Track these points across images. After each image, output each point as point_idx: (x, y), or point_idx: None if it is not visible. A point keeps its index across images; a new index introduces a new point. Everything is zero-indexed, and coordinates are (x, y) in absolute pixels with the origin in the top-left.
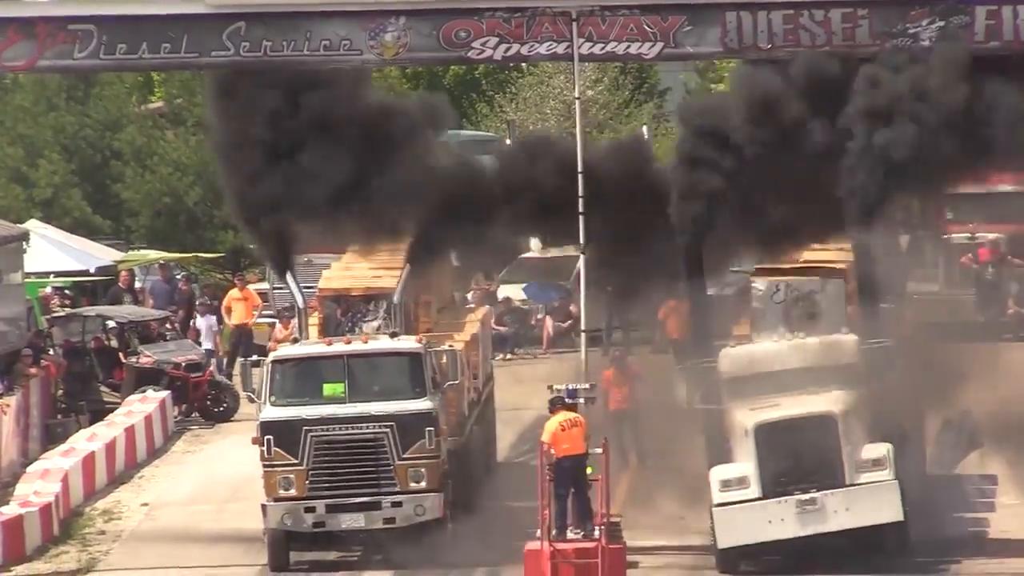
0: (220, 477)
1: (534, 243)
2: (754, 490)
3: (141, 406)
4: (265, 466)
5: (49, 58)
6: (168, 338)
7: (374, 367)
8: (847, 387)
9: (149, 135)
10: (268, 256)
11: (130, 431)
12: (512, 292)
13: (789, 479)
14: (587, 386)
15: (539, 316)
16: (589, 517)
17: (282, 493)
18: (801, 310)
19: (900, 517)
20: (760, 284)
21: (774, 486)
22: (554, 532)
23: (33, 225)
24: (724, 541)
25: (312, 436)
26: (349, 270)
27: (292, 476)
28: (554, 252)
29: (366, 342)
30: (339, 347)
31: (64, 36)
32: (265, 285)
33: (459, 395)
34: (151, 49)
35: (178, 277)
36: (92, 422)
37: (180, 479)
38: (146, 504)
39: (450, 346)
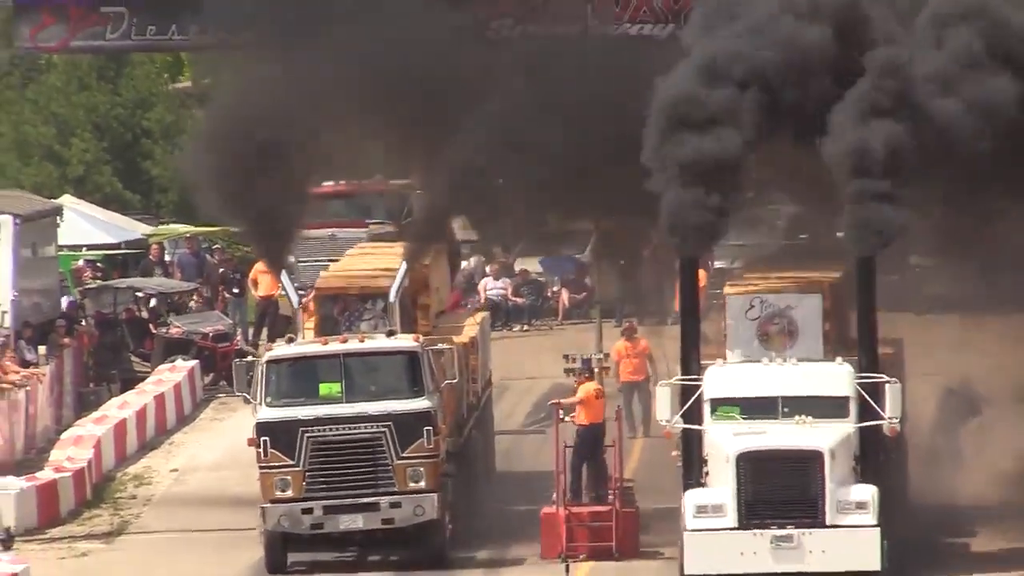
0: (246, 443)
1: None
2: (729, 519)
3: (170, 375)
4: (262, 468)
5: (81, 39)
6: (195, 309)
7: (371, 366)
8: (838, 421)
9: (178, 114)
10: (263, 255)
11: (160, 399)
12: (529, 265)
13: (767, 512)
14: (601, 355)
15: (555, 288)
16: (604, 483)
17: (279, 495)
18: (777, 327)
19: (877, 567)
20: (734, 299)
21: (751, 517)
22: (569, 496)
23: (66, 200)
24: (692, 568)
25: (309, 437)
26: (346, 270)
27: (289, 477)
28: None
29: (363, 341)
30: (335, 346)
31: (96, 18)
32: (291, 258)
33: (458, 397)
34: (180, 31)
35: (214, 247)
36: (123, 390)
37: (208, 445)
38: (175, 469)
39: (448, 344)
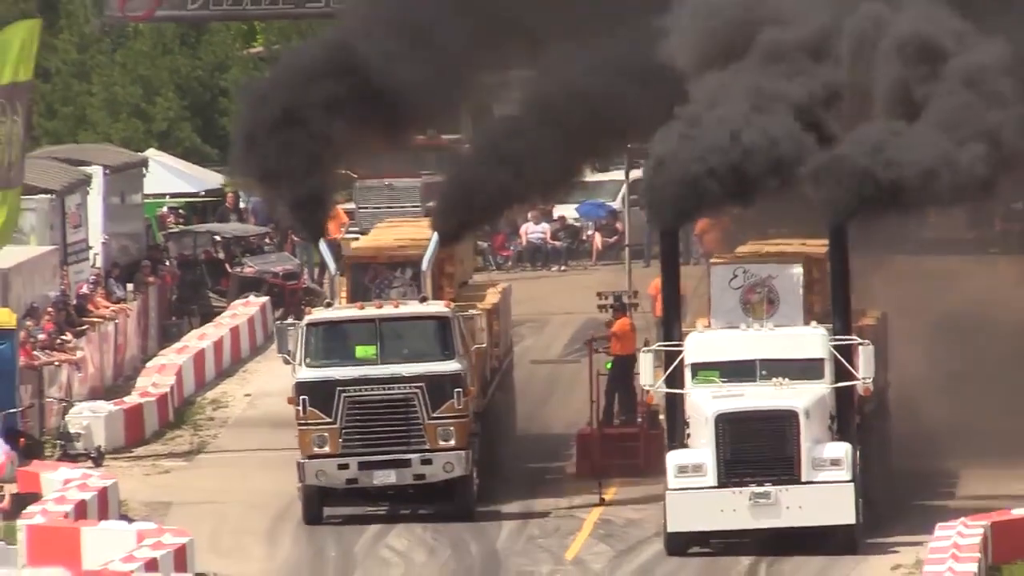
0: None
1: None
2: (710, 478)
3: (244, 309)
4: (300, 425)
5: (166, 9)
6: (267, 251)
7: (405, 330)
8: (813, 382)
9: (251, 75)
10: (300, 222)
11: (235, 331)
12: (566, 211)
13: (746, 471)
14: (631, 293)
15: (589, 232)
16: (633, 407)
17: (316, 451)
18: (759, 296)
19: (852, 520)
20: (718, 268)
21: (730, 476)
22: (602, 419)
23: (151, 153)
24: (674, 525)
25: (345, 396)
26: (376, 240)
27: (326, 434)
28: (602, 176)
29: (397, 307)
30: (371, 311)
31: None
32: (351, 204)
33: (483, 360)
34: (253, 3)
35: None
36: (202, 323)
37: (278, 373)
38: (248, 394)
39: (477, 310)
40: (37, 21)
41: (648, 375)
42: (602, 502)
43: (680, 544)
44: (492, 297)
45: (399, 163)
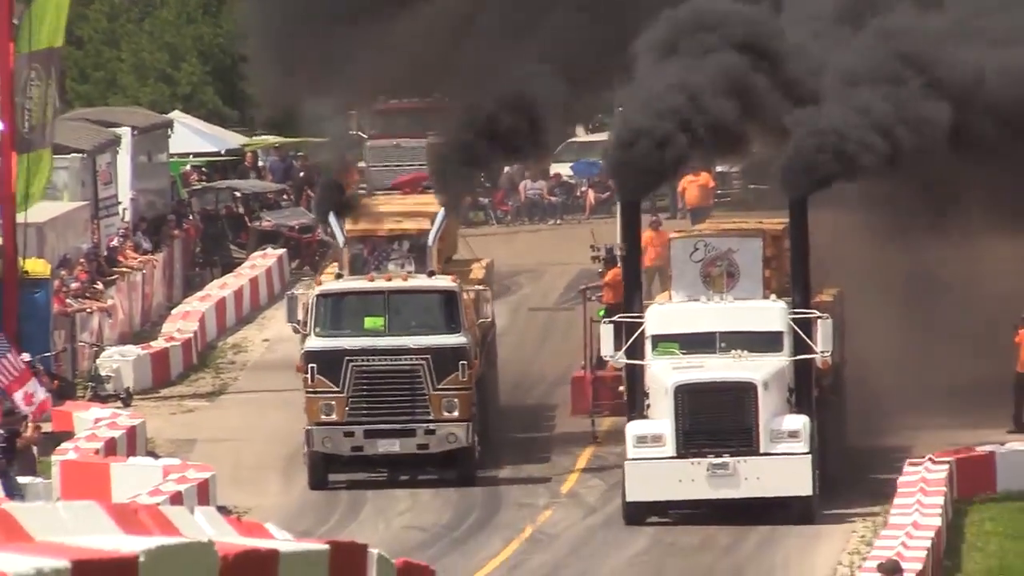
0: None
1: (579, 129)
2: (668, 448)
3: (263, 261)
4: (308, 393)
5: None
6: (284, 206)
7: (413, 303)
8: (772, 355)
9: None
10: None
11: (254, 281)
12: (561, 169)
13: (704, 441)
14: (622, 245)
15: (583, 188)
16: None
17: (323, 418)
18: (719, 269)
19: (809, 492)
20: (679, 242)
21: (688, 447)
22: (595, 362)
23: (176, 115)
24: (633, 495)
25: (353, 366)
26: (375, 212)
27: (333, 403)
28: (595, 136)
29: (406, 280)
30: (381, 283)
31: None
32: (362, 163)
33: (485, 333)
34: None
35: (299, 155)
36: (223, 273)
37: None
38: (267, 339)
39: (481, 287)
40: None
41: (609, 345)
42: (595, 440)
43: (638, 513)
44: (478, 272)
45: (407, 124)
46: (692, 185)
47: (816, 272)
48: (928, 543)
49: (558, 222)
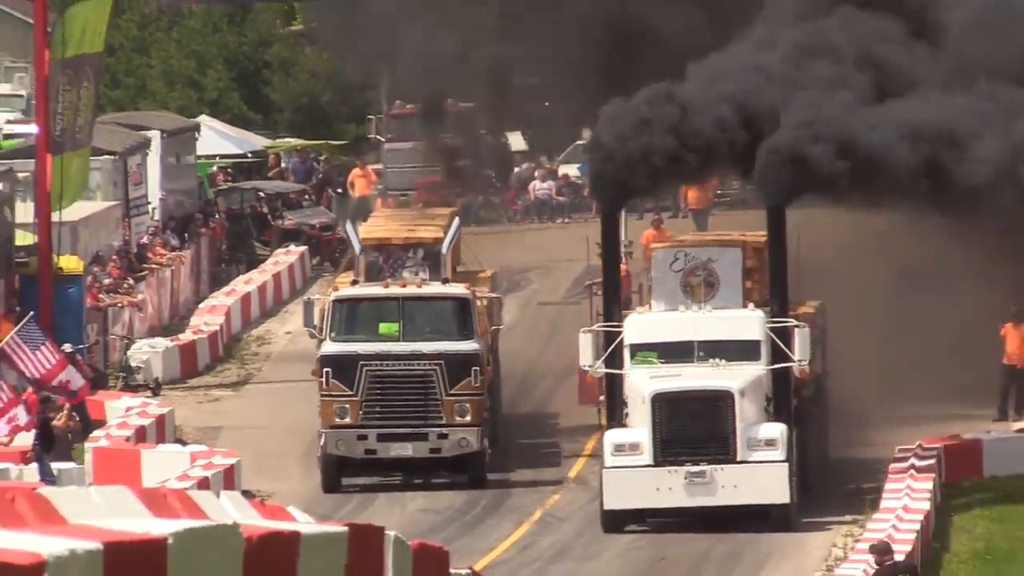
0: (310, 374)
1: (587, 132)
2: (646, 457)
3: (285, 257)
4: (323, 396)
5: None
6: (305, 205)
7: (427, 309)
8: (750, 364)
9: (292, 50)
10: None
11: (277, 276)
12: (569, 170)
13: (682, 450)
14: (626, 243)
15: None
16: None
17: (337, 421)
18: (698, 279)
19: (786, 500)
20: (659, 252)
21: (666, 455)
22: None
23: (203, 119)
24: (610, 503)
25: (367, 370)
26: (389, 222)
27: (347, 406)
28: None
29: (420, 287)
30: (395, 290)
31: None
32: (380, 165)
33: (492, 337)
34: None
35: (321, 157)
36: (248, 269)
37: None
38: (289, 332)
39: (494, 295)
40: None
41: (587, 355)
42: (601, 428)
43: (616, 521)
44: (484, 281)
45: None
46: (693, 187)
47: (799, 284)
48: (917, 526)
49: (566, 221)
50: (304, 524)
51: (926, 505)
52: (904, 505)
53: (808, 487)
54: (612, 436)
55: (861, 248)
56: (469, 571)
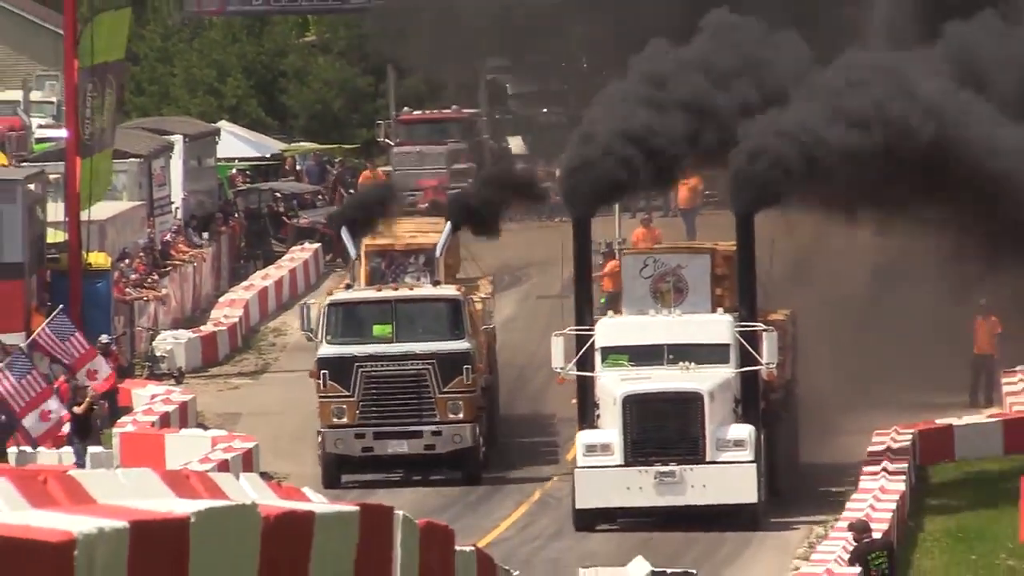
0: (308, 376)
1: None
2: (617, 457)
3: (300, 254)
4: (321, 397)
5: (234, 5)
6: (319, 205)
7: (419, 311)
8: (719, 367)
9: (306, 60)
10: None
11: (292, 272)
12: None
13: (652, 450)
14: (620, 240)
15: None
16: None
17: (335, 421)
18: (667, 284)
19: (754, 500)
20: (629, 258)
21: (636, 455)
22: None
23: (222, 124)
24: (582, 502)
25: (363, 371)
26: (391, 229)
27: (344, 406)
28: None
29: (412, 289)
30: (388, 293)
31: None
32: (389, 167)
33: (489, 339)
34: None
35: (334, 160)
36: (265, 265)
37: None
38: None
39: (483, 296)
40: (127, 10)
41: (559, 358)
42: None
43: (587, 520)
44: (485, 287)
45: (427, 133)
46: (683, 187)
47: (769, 291)
48: (893, 505)
49: (564, 219)
50: (318, 504)
51: (902, 486)
52: (881, 486)
53: (777, 490)
54: (584, 437)
55: (831, 250)
56: (473, 548)
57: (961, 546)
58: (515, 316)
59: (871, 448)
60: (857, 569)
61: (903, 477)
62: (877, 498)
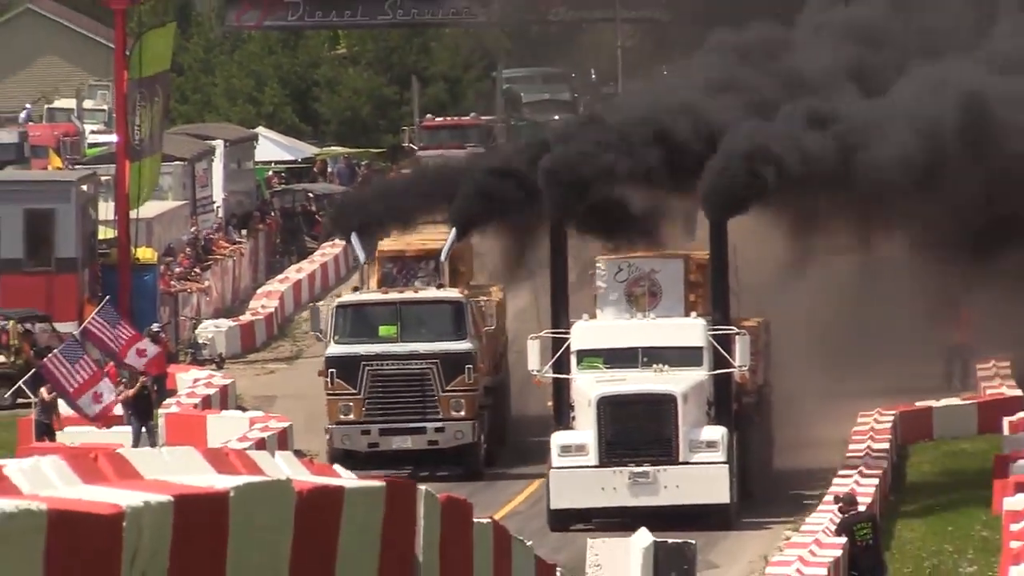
0: (317, 375)
1: None
2: (591, 458)
3: (331, 250)
4: (328, 395)
5: (271, 20)
6: None
7: (423, 313)
8: (692, 369)
9: (337, 71)
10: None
11: (324, 266)
12: None
13: (626, 451)
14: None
15: None
16: None
17: (342, 418)
18: (642, 288)
19: (726, 500)
20: (603, 264)
21: (610, 456)
22: None
23: (260, 130)
24: (557, 502)
25: (369, 370)
26: (403, 235)
27: (351, 404)
28: None
29: (417, 292)
30: (394, 295)
31: (281, 5)
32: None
33: (494, 341)
34: (337, 15)
35: (362, 163)
36: (299, 260)
37: None
38: None
39: (487, 298)
40: (172, 25)
41: (535, 360)
42: None
43: (562, 520)
44: (497, 294)
45: (448, 137)
46: None
47: (744, 298)
48: (876, 481)
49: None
50: (347, 480)
51: (884, 463)
52: (865, 463)
53: (750, 492)
54: (559, 438)
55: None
56: (490, 520)
57: (939, 518)
58: (528, 306)
59: (856, 428)
60: (843, 539)
61: (885, 455)
62: (862, 473)
